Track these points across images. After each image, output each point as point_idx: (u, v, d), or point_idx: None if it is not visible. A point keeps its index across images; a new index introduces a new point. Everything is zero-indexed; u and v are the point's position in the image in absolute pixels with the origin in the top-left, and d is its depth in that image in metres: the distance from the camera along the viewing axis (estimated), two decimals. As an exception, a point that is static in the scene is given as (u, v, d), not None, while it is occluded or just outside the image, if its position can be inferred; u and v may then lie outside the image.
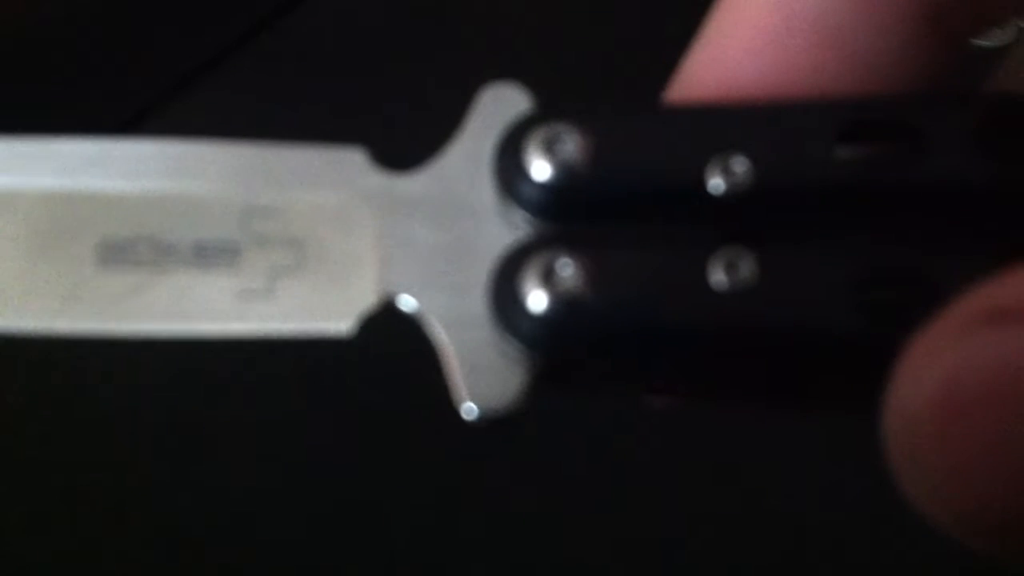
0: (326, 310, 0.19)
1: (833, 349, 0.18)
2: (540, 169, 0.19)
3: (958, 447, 0.15)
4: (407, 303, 0.19)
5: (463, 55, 0.25)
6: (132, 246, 0.20)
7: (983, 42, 0.21)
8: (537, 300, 0.18)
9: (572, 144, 0.19)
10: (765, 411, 0.20)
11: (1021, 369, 0.15)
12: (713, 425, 0.24)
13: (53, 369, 0.27)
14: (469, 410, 0.19)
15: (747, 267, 0.18)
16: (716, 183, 0.19)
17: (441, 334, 0.19)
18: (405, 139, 0.21)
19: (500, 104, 0.21)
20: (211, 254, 0.20)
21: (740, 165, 0.18)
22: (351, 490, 0.26)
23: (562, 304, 0.18)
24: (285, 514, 0.26)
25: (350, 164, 0.20)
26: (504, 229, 0.20)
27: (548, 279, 0.18)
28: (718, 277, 0.18)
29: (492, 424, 0.19)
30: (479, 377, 0.19)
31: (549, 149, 0.19)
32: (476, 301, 0.19)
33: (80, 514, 0.27)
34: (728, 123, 0.19)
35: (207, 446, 0.27)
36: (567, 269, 0.18)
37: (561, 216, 0.19)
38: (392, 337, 0.19)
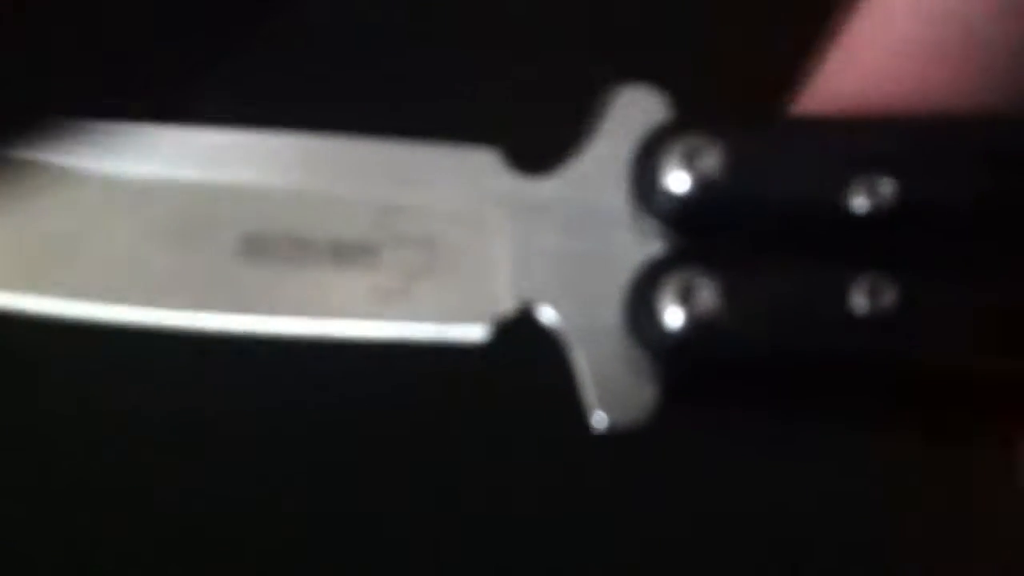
0: (461, 314, 0.20)
1: (968, 378, 0.18)
2: (678, 181, 0.19)
3: None
4: (545, 313, 0.19)
5: (573, 54, 0.25)
6: (273, 241, 0.20)
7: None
8: (674, 317, 0.18)
9: (712, 157, 0.19)
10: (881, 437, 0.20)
11: None
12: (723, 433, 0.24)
13: (51, 368, 0.28)
14: (600, 420, 0.19)
15: (889, 294, 0.18)
16: (860, 203, 0.18)
17: (575, 344, 0.19)
18: (534, 140, 0.21)
19: (635, 108, 0.20)
20: (348, 252, 0.20)
21: (886, 185, 0.18)
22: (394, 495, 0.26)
23: (699, 323, 0.18)
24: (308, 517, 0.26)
25: (484, 165, 0.21)
26: (637, 239, 0.20)
27: (686, 297, 0.18)
28: (859, 302, 0.18)
29: (619, 435, 0.19)
30: (610, 388, 0.19)
31: (688, 161, 0.19)
32: (610, 312, 0.19)
33: (81, 509, 0.27)
34: (874, 140, 0.19)
35: (223, 446, 0.27)
36: (705, 288, 0.18)
37: (696, 229, 0.19)
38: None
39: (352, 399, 0.26)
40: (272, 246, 0.20)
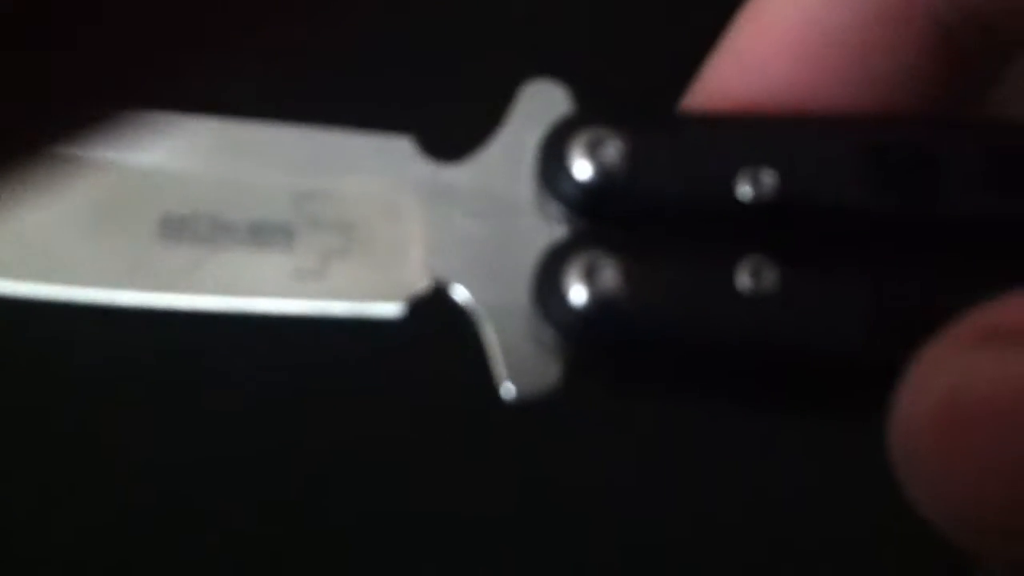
0: (377, 294, 0.21)
1: (844, 362, 0.19)
2: (582, 170, 0.20)
3: (958, 457, 0.17)
4: (457, 291, 0.21)
5: (498, 52, 0.26)
6: (192, 223, 0.21)
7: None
8: (577, 295, 0.20)
9: (613, 148, 0.20)
10: (773, 415, 0.22)
11: (1017, 387, 0.17)
12: (709, 425, 0.26)
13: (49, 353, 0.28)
14: (507, 391, 0.20)
15: (770, 276, 0.19)
16: (745, 192, 0.20)
17: (485, 321, 0.20)
18: (448, 129, 0.22)
19: (541, 101, 0.22)
20: (267, 234, 0.21)
21: (768, 177, 0.20)
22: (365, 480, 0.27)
23: (601, 301, 0.19)
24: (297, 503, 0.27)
25: (399, 152, 0.22)
26: (543, 223, 0.21)
27: (589, 276, 0.20)
28: (743, 282, 0.19)
29: (527, 406, 0.20)
30: (518, 362, 0.20)
31: (591, 152, 0.20)
32: (518, 291, 0.20)
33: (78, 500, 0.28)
34: (760, 135, 0.20)
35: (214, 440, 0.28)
36: (607, 268, 0.20)
37: (598, 215, 0.21)
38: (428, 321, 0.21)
39: (268, 378, 0.26)
40: (191, 228, 0.21)
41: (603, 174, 0.20)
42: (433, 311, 0.21)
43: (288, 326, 0.21)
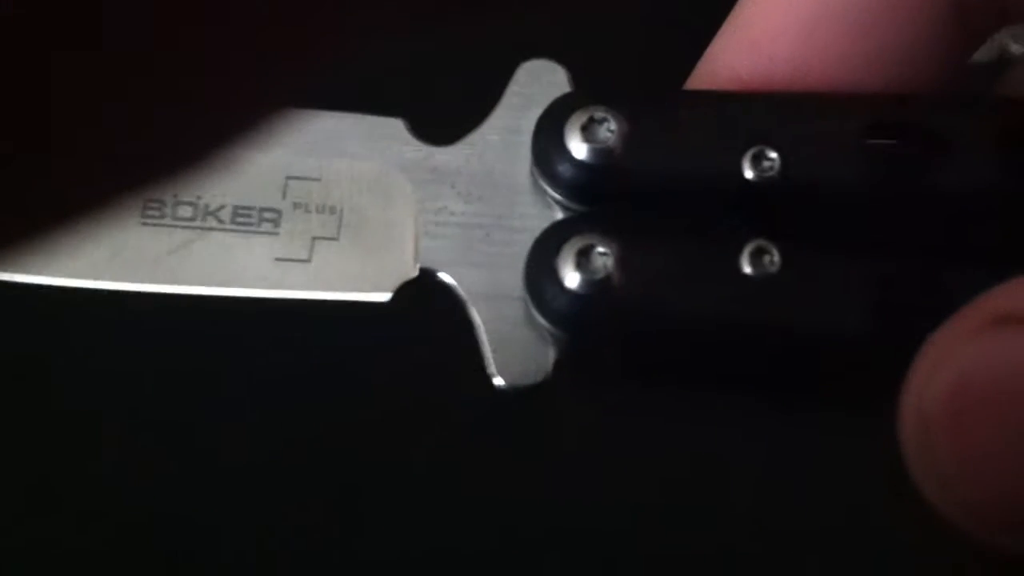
0: (365, 279, 0.20)
1: (847, 346, 0.19)
2: (578, 151, 0.20)
3: (967, 443, 0.16)
4: (448, 278, 0.20)
5: (500, 30, 0.26)
6: (175, 206, 0.20)
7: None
8: (571, 281, 0.19)
9: (610, 128, 0.20)
10: (774, 405, 0.21)
11: None
12: (708, 422, 0.25)
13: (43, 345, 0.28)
14: (499, 380, 0.19)
15: (772, 258, 0.19)
16: (745, 173, 0.19)
17: (474, 307, 0.20)
18: (443, 111, 0.21)
19: (537, 81, 0.21)
20: (252, 218, 0.20)
21: (770, 157, 0.19)
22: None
23: (596, 286, 0.19)
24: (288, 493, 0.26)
25: (390, 133, 0.21)
26: (538, 208, 0.20)
27: (584, 261, 0.19)
28: (744, 266, 0.19)
29: (519, 394, 0.20)
30: (509, 351, 0.19)
31: (587, 132, 0.20)
32: (510, 277, 0.20)
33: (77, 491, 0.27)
34: (759, 115, 0.20)
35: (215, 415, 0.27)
36: (602, 252, 0.19)
37: (595, 197, 0.20)
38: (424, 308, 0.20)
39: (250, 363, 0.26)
40: (175, 212, 0.20)
41: (600, 155, 0.20)
42: (423, 298, 0.20)
43: (280, 318, 0.20)
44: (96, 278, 0.20)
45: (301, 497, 0.26)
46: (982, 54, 0.23)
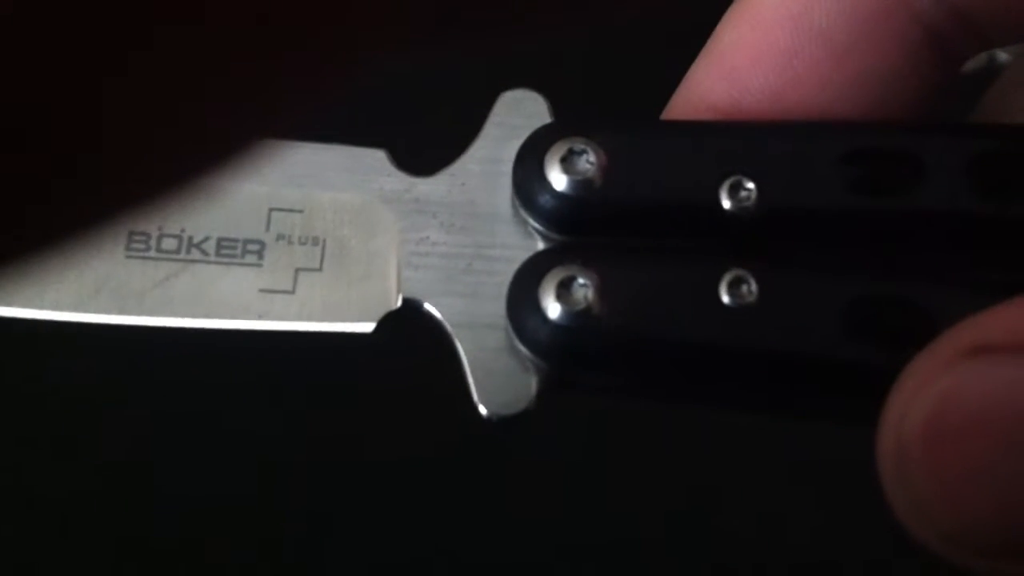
0: (348, 310, 0.20)
1: (826, 373, 0.19)
2: (558, 182, 0.20)
3: (944, 470, 0.16)
4: (430, 308, 0.20)
5: (479, 61, 0.26)
6: (159, 239, 0.20)
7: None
8: (553, 312, 0.19)
9: (589, 160, 0.20)
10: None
11: (1005, 401, 0.16)
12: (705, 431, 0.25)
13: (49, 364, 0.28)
14: (483, 409, 0.20)
15: (750, 288, 0.19)
16: (724, 203, 0.19)
17: (458, 338, 0.20)
18: (425, 141, 0.21)
19: (518, 111, 0.21)
20: (236, 250, 0.20)
21: (747, 187, 0.19)
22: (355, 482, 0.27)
23: (577, 316, 0.19)
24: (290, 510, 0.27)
25: (372, 164, 0.21)
26: (519, 237, 0.20)
27: (565, 291, 0.19)
28: (723, 295, 0.19)
29: (502, 424, 0.20)
30: (492, 380, 0.20)
31: (567, 163, 0.20)
32: (492, 306, 0.20)
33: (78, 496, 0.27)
34: (736, 144, 0.20)
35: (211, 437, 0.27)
36: (583, 283, 0.19)
37: (575, 227, 0.20)
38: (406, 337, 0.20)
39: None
40: (159, 244, 0.20)
41: (580, 185, 0.20)
42: (406, 328, 0.20)
43: (266, 344, 0.20)
44: (81, 311, 0.20)
45: (281, 529, 0.26)
46: (971, 64, 0.23)
